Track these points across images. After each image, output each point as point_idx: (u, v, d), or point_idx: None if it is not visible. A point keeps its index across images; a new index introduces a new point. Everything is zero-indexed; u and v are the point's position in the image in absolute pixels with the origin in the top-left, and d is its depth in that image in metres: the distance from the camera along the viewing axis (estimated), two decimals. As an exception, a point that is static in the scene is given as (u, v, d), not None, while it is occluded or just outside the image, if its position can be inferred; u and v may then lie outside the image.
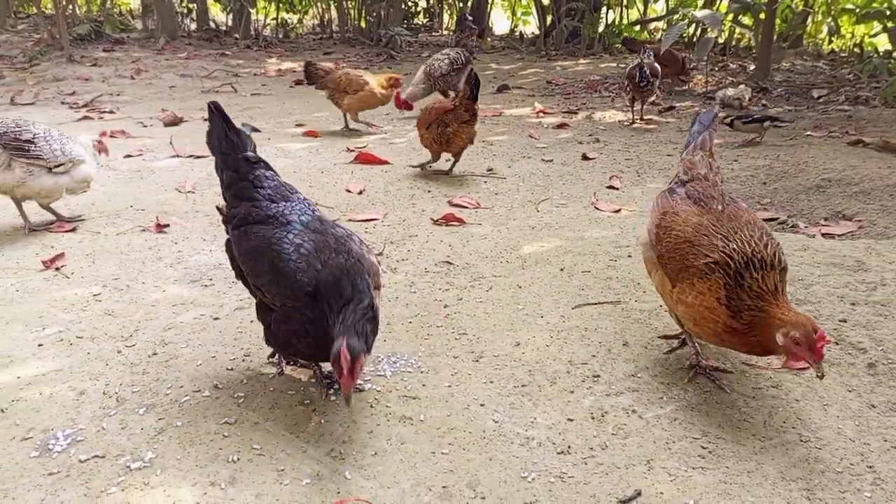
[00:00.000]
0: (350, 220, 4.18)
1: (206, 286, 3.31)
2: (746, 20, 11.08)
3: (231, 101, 8.49)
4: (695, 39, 12.11)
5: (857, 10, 9.66)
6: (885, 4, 8.96)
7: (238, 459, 2.08)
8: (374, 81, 6.46)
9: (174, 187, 4.80)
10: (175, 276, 3.40)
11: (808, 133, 6.25)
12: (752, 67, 10.44)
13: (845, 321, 2.80)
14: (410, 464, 2.07)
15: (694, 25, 11.92)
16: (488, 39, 14.86)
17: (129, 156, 5.59)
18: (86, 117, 7.31)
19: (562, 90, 9.34)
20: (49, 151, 3.73)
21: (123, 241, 3.83)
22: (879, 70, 8.17)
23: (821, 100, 8.04)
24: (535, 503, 1.91)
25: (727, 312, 2.11)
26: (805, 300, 2.98)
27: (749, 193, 4.72)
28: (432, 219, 4.17)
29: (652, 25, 14.81)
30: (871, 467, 2.04)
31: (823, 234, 3.87)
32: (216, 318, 2.98)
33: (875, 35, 11.67)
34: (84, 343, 2.75)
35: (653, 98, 7.26)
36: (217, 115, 2.46)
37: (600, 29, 13.38)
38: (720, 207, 2.37)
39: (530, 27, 16.38)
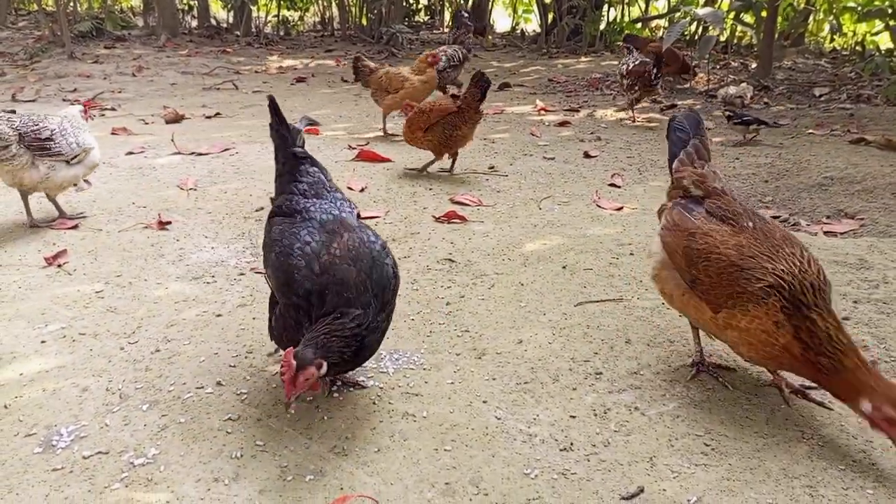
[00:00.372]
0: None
1: (208, 283, 3.31)
2: (748, 18, 11.07)
3: (233, 98, 8.49)
4: (696, 38, 12.11)
5: (859, 9, 9.64)
6: (887, 3, 8.94)
7: (241, 456, 2.09)
8: (413, 74, 6.27)
9: (176, 185, 4.80)
10: (177, 274, 3.41)
11: (810, 131, 6.24)
12: (754, 66, 10.43)
13: (847, 319, 2.80)
14: (413, 460, 2.08)
15: (695, 23, 11.89)
16: (489, 37, 14.83)
17: (130, 153, 5.59)
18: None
19: (563, 88, 9.33)
20: (67, 146, 3.81)
21: (125, 238, 3.83)
22: (881, 68, 8.16)
23: (822, 98, 8.03)
24: (538, 500, 1.92)
25: (791, 337, 2.03)
26: (807, 298, 2.98)
27: (751, 192, 4.72)
28: (434, 216, 4.17)
29: (653, 23, 14.79)
30: (873, 465, 2.04)
31: (825, 233, 3.87)
32: (218, 315, 2.98)
33: (877, 33, 11.65)
34: (87, 340, 2.75)
35: (652, 96, 7.33)
36: (271, 110, 2.55)
37: (602, 27, 13.37)
38: (751, 224, 2.27)
39: (531, 25, 16.36)
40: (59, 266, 3.44)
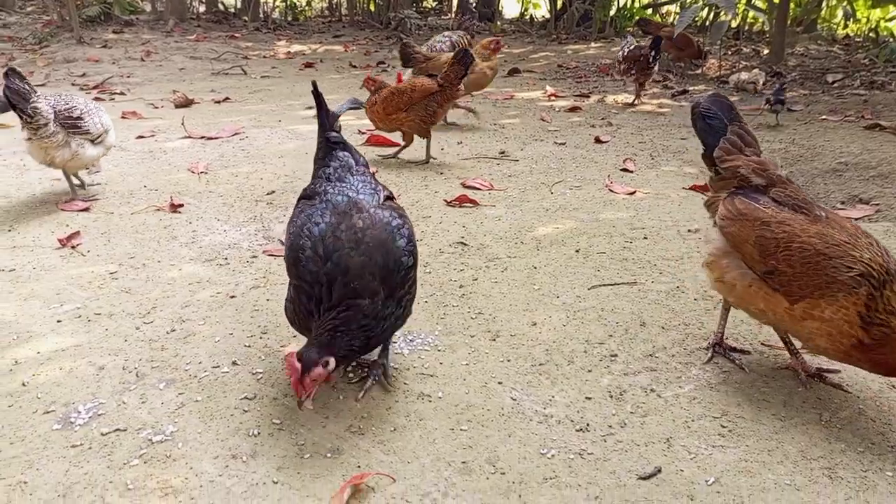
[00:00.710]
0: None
1: (220, 265, 3.32)
2: (760, 3, 10.95)
3: (241, 83, 8.47)
4: (707, 23, 11.99)
5: (874, -6, 9.52)
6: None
7: (258, 433, 2.09)
8: (479, 58, 6.06)
9: (186, 168, 4.80)
10: (190, 255, 3.41)
11: (824, 117, 6.19)
12: (766, 52, 10.34)
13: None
14: (430, 439, 2.08)
15: (707, 9, 11.77)
16: (498, 23, 14.73)
17: (141, 137, 5.59)
18: (97, 99, 7.30)
19: (573, 74, 9.27)
20: (94, 125, 3.95)
21: (138, 221, 3.83)
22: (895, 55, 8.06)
23: (835, 84, 7.95)
24: (555, 479, 1.92)
25: (860, 325, 1.98)
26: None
27: (764, 177, 4.68)
28: (445, 200, 4.16)
29: (664, 9, 14.66)
30: (892, 447, 2.03)
31: (840, 218, 3.84)
32: (232, 297, 2.98)
33: (891, 19, 11.52)
34: (102, 320, 2.76)
35: (652, 77, 7.38)
36: (314, 95, 2.56)
37: (612, 12, 13.25)
38: (824, 214, 2.18)
39: (540, 11, 16.24)
40: (73, 247, 3.45)
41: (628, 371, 2.42)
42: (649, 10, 14.15)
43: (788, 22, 9.93)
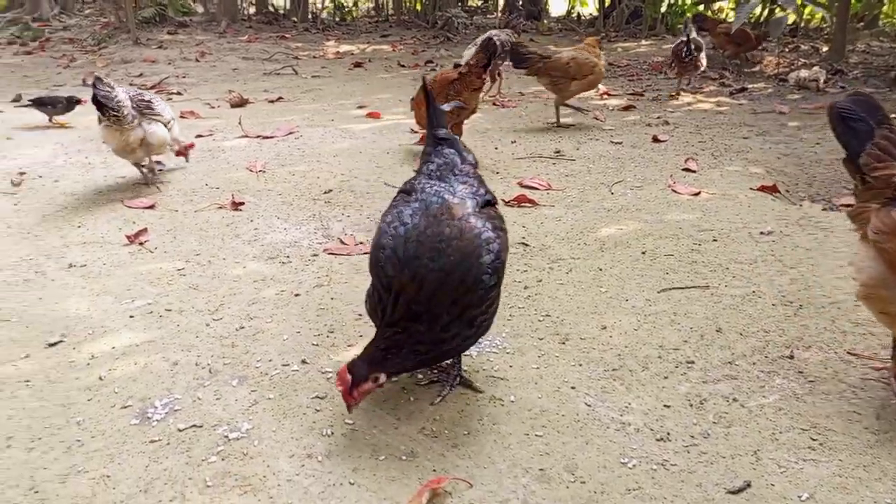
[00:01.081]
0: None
1: (283, 263, 3.33)
2: (821, -1, 10.56)
3: (292, 83, 8.56)
4: (761, 20, 11.64)
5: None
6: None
7: (332, 433, 2.09)
8: (597, 59, 5.90)
9: (245, 167, 4.86)
10: (253, 253, 3.44)
11: (893, 115, 5.91)
12: (825, 49, 9.98)
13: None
14: (504, 444, 2.04)
15: (761, 4, 11.42)
16: (545, 21, 14.59)
17: (199, 135, 5.68)
18: (155, 98, 7.47)
19: (624, 72, 9.10)
20: (162, 109, 4.26)
21: (201, 218, 3.89)
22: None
23: (904, 81, 7.62)
24: (639, 490, 1.85)
25: None
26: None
27: (834, 177, 4.50)
28: (504, 200, 4.11)
29: (716, 5, 14.29)
30: None
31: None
32: (297, 295, 2.99)
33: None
34: (173, 316, 2.80)
35: (701, 69, 7.20)
36: (423, 91, 2.57)
37: (663, 9, 12.99)
38: None
39: (588, 8, 16.03)
40: (141, 244, 3.51)
41: (707, 379, 2.33)
42: (701, 7, 13.81)
43: (849, 17, 9.56)
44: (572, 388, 2.30)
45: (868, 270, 2.07)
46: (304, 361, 2.47)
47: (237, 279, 3.15)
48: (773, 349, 2.49)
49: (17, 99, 7.22)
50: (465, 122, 5.02)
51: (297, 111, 6.84)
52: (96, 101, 3.90)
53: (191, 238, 3.61)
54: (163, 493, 1.86)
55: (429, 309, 1.94)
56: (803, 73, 7.94)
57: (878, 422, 2.10)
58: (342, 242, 3.57)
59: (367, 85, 8.46)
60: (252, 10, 15.02)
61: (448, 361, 2.38)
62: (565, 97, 5.87)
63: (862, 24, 11.75)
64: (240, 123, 5.88)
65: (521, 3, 10.78)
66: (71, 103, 5.91)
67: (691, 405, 2.20)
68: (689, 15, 12.13)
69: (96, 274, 3.19)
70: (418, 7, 15.06)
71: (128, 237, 3.56)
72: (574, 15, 15.69)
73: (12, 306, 2.87)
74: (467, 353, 2.50)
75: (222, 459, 1.98)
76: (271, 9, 15.20)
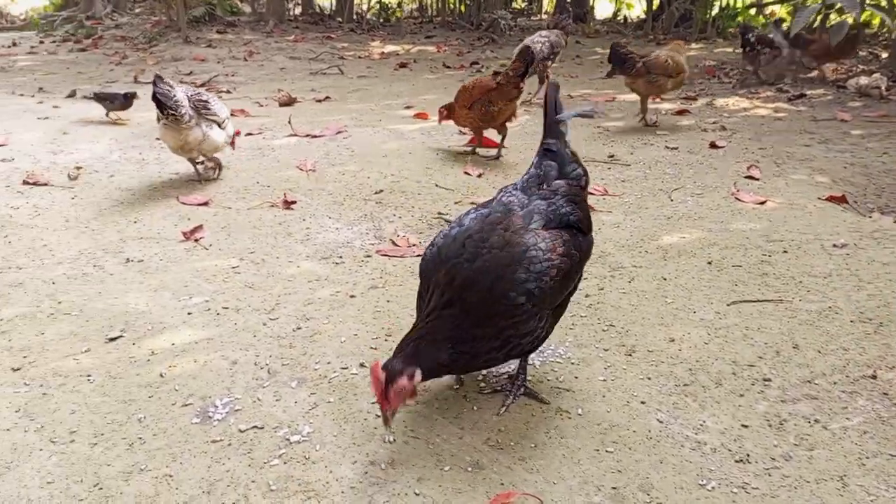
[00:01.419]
0: (472, 203, 4.08)
1: (336, 264, 3.30)
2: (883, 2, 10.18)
3: (339, 83, 8.59)
4: (815, 24, 11.28)
5: None
6: None
7: (394, 441, 2.03)
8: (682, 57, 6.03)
9: (295, 165, 4.86)
10: (306, 253, 3.42)
11: (967, 125, 5.65)
12: (885, 55, 9.63)
13: None
14: (574, 460, 1.96)
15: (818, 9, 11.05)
16: (590, 24, 14.41)
17: (249, 134, 5.72)
18: (205, 96, 7.57)
19: (675, 76, 8.89)
20: (219, 109, 4.29)
21: (254, 216, 3.89)
22: None
23: (973, 89, 7.28)
24: (720, 514, 1.76)
25: None
26: None
27: (906, 189, 4.29)
28: (558, 204, 4.01)
29: (768, 9, 13.93)
30: None
31: None
32: (352, 296, 2.95)
33: None
34: (230, 314, 2.79)
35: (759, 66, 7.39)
36: (545, 99, 2.37)
37: (714, 12, 12.70)
38: None
39: (634, 11, 15.78)
40: (196, 241, 3.52)
41: (786, 398, 2.21)
42: (753, 11, 13.47)
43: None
44: (642, 402, 2.21)
45: None
46: (362, 365, 2.42)
47: (291, 278, 3.12)
48: (854, 368, 2.35)
49: (73, 94, 7.39)
50: (511, 124, 5.04)
51: (345, 111, 6.84)
52: (156, 99, 3.93)
53: (244, 236, 3.61)
54: (226, 496, 1.83)
55: (461, 298, 1.91)
56: (863, 79, 7.65)
57: (977, 452, 1.96)
58: (395, 244, 3.52)
59: (412, 86, 8.43)
60: (298, 10, 15.17)
61: (512, 370, 2.31)
62: (666, 91, 6.00)
63: (924, 29, 11.29)
64: (289, 122, 5.89)
65: (569, 4, 10.62)
66: (128, 98, 6.02)
67: (770, 425, 2.09)
68: (778, 17, 11.83)
69: (153, 269, 3.20)
70: (462, 8, 15.02)
71: (183, 233, 3.58)
72: (620, 17, 15.47)
73: (73, 299, 2.90)
74: (530, 361, 2.43)
75: (284, 463, 1.95)
76: (317, 9, 15.33)
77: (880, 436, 2.04)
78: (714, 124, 6.10)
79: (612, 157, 5.07)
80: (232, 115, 6.36)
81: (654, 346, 2.53)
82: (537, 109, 6.83)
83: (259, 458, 1.96)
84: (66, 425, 2.11)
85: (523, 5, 17.04)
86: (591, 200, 4.02)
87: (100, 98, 6.06)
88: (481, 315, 1.91)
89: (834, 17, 10.47)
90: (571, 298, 2.29)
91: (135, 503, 1.81)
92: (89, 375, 2.36)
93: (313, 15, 14.62)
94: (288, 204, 4.05)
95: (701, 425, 2.09)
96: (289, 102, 7.10)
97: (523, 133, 5.87)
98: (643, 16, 14.30)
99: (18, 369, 2.40)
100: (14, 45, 11.89)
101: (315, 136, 5.67)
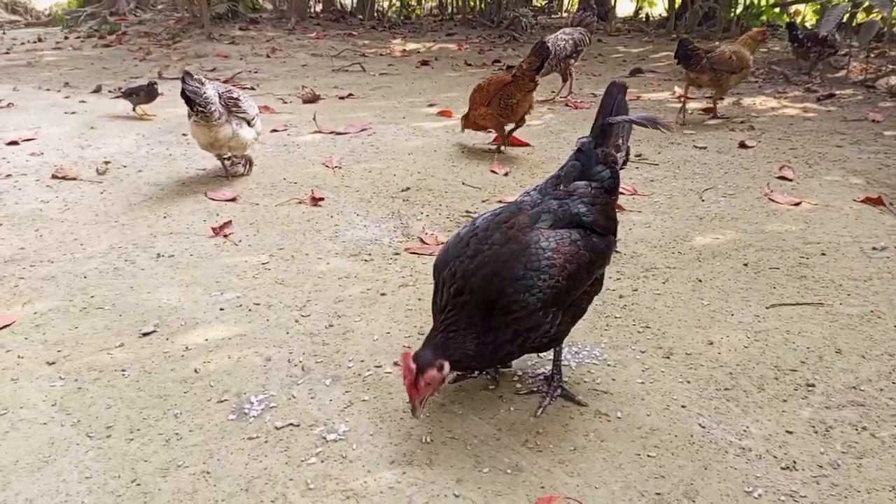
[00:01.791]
0: (500, 202, 4.05)
1: (366, 261, 3.29)
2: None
3: (361, 80, 8.58)
4: (841, 23, 11.09)
5: None
6: None
7: (431, 441, 2.01)
8: (749, 51, 6.00)
9: (321, 162, 4.85)
10: (336, 249, 3.40)
11: None
12: (917, 54, 9.44)
13: None
14: (615, 464, 1.92)
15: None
16: (612, 22, 14.29)
17: (274, 130, 5.72)
18: (228, 92, 7.59)
19: (700, 75, 8.78)
20: (248, 107, 4.26)
21: (282, 213, 3.88)
22: None
23: None
24: (769, 523, 1.71)
25: None
26: None
27: (944, 191, 4.19)
28: (587, 204, 3.97)
29: (792, 8, 13.73)
30: None
31: None
32: (383, 294, 2.93)
33: None
34: (262, 310, 2.78)
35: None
36: (605, 97, 2.32)
37: (738, 10, 12.54)
38: None
39: (656, 9, 15.63)
40: (225, 236, 3.52)
41: (830, 404, 2.16)
42: (777, 10, 13.29)
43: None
44: (682, 406, 2.16)
45: None
46: (396, 363, 2.40)
47: (321, 275, 3.11)
48: (902, 375, 2.30)
49: (98, 90, 7.45)
50: (529, 116, 5.06)
51: (368, 108, 6.83)
52: (185, 95, 3.93)
53: (273, 232, 3.60)
54: (264, 494, 1.82)
55: (470, 288, 1.93)
56: (893, 79, 7.52)
57: None
58: (423, 242, 3.50)
59: (434, 83, 8.40)
60: (319, 7, 15.19)
61: (547, 371, 2.28)
62: (727, 90, 6.07)
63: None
64: (314, 119, 5.89)
65: (594, 1, 10.53)
66: (152, 87, 6.05)
67: (816, 432, 2.04)
68: (789, 20, 11.67)
69: (184, 265, 3.20)
70: (482, 6, 14.95)
71: (213, 229, 3.58)
72: (642, 16, 15.33)
73: (105, 294, 2.90)
74: (565, 362, 2.39)
75: (321, 461, 1.93)
76: (338, 7, 15.34)
77: (931, 445, 1.98)
78: (742, 124, 6.01)
79: (639, 156, 5.01)
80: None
81: (692, 348, 2.48)
82: (562, 108, 6.78)
83: (296, 456, 1.95)
84: (102, 420, 2.11)
85: (544, 3, 16.94)
86: (620, 200, 3.98)
87: (126, 94, 6.10)
88: (485, 308, 1.93)
89: (861, 17, 10.31)
90: (599, 299, 2.24)
91: (173, 500, 1.81)
92: (124, 370, 2.36)
93: (334, 12, 14.63)
94: (315, 201, 4.04)
95: (744, 431, 2.05)
96: (312, 99, 7.09)
97: (548, 132, 5.82)
98: (665, 14, 14.16)
99: (53, 363, 2.40)
100: (39, 40, 12.01)
101: (339, 133, 5.66)
